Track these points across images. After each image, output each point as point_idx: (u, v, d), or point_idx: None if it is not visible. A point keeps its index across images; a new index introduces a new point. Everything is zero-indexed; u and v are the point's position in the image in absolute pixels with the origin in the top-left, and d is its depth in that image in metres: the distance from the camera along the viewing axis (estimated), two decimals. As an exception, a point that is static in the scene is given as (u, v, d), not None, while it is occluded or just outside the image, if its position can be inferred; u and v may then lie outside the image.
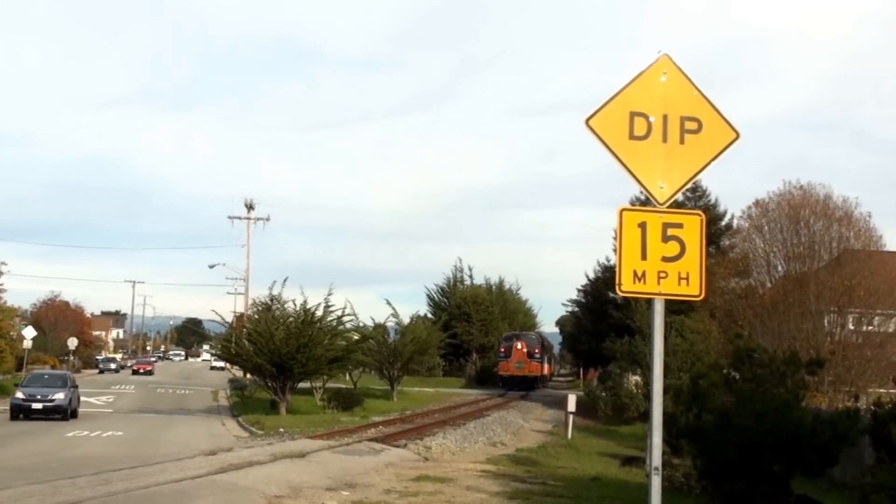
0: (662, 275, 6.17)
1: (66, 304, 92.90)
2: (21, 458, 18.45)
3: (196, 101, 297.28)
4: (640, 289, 6.20)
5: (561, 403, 37.06)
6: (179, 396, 49.43)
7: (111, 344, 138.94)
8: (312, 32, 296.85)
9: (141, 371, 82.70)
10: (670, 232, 6.24)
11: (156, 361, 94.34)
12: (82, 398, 43.54)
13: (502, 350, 64.23)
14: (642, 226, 6.25)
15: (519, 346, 62.63)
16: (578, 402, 32.62)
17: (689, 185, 6.80)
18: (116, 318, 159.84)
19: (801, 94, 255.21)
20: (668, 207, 6.35)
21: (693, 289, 6.20)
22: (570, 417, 31.09)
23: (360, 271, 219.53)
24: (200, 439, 24.13)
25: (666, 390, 6.56)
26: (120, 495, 12.78)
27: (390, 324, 51.96)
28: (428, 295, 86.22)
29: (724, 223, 51.12)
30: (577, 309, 76.96)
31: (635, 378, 40.24)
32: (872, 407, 14.45)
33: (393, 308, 52.19)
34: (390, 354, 48.72)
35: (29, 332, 56.74)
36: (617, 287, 6.27)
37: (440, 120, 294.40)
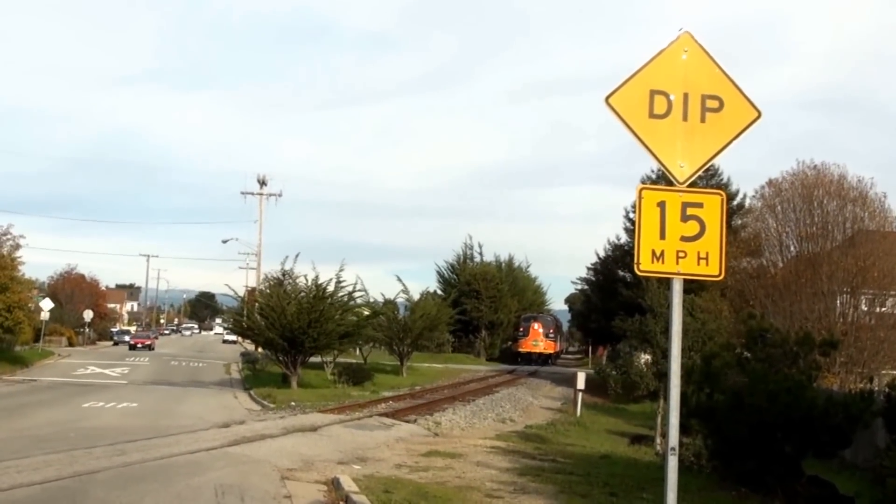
0: (681, 254, 6.10)
1: (82, 276, 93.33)
2: (38, 428, 18.56)
3: (211, 79, 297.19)
4: (658, 268, 6.12)
5: (570, 381, 37.11)
6: (193, 369, 49.67)
7: (125, 316, 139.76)
8: (326, 11, 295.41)
9: (139, 346, 73.48)
10: (690, 211, 6.17)
11: (156, 337, 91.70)
12: (97, 369, 43.93)
13: (520, 329, 72.94)
14: (661, 205, 6.17)
15: (536, 326, 71.55)
16: (587, 380, 32.62)
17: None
18: (131, 291, 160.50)
19: (814, 72, 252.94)
20: (687, 187, 6.26)
21: (713, 269, 6.13)
22: (580, 395, 31.11)
23: (370, 247, 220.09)
24: (213, 412, 24.24)
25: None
26: (136, 466, 12.85)
27: (400, 300, 52.01)
28: (438, 272, 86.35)
29: (736, 202, 50.85)
30: (586, 287, 76.85)
31: (645, 357, 40.21)
32: (886, 389, 14.35)
33: (403, 284, 52.20)
34: (400, 330, 48.76)
35: (46, 304, 57.03)
36: (635, 266, 6.20)
37: (453, 98, 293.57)
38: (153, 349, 72.82)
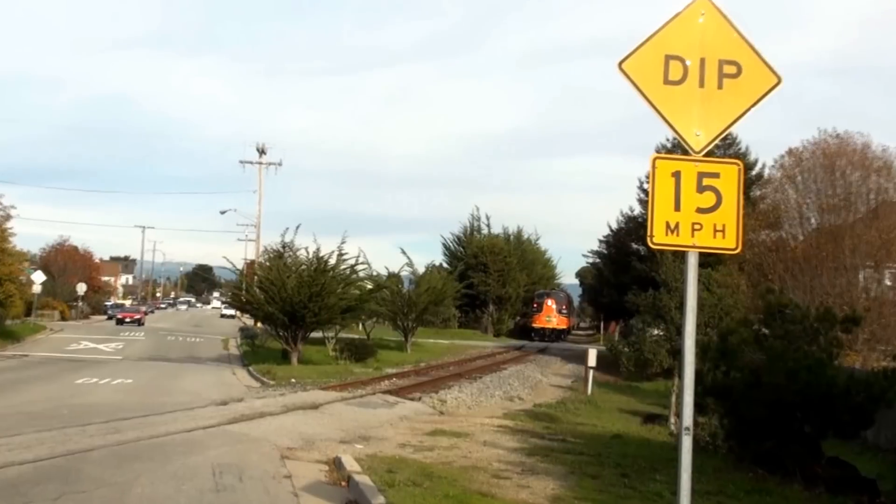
0: (697, 227, 6.07)
1: (75, 248, 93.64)
2: (31, 405, 18.70)
3: (211, 44, 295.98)
4: (673, 241, 6.10)
5: (580, 358, 37.19)
6: (189, 344, 49.91)
7: (120, 290, 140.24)
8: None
9: (127, 320, 72.07)
10: (706, 182, 6.12)
11: (151, 311, 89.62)
12: (91, 345, 44.18)
13: (535, 305, 76.56)
14: (676, 175, 6.12)
15: (549, 302, 75.37)
16: (599, 357, 32.68)
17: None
18: (126, 263, 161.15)
19: (838, 36, 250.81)
20: (703, 156, 6.23)
21: (729, 241, 6.11)
22: (591, 372, 31.15)
23: (374, 219, 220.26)
24: (211, 388, 24.37)
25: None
26: (130, 444, 12.95)
27: (405, 273, 52.11)
28: (444, 244, 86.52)
29: (754, 173, 50.70)
30: (598, 260, 76.93)
31: (659, 332, 40.24)
32: (910, 367, 14.32)
33: (408, 257, 52.45)
34: (404, 305, 48.87)
35: (38, 277, 57.30)
36: (648, 239, 6.17)
37: (460, 65, 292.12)
38: (143, 325, 71.95)
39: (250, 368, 32.27)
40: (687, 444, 5.80)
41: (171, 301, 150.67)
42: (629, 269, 54.59)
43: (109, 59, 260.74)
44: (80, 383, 25.02)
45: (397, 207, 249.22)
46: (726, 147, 50.42)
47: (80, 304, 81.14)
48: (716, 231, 6.09)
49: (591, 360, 30.97)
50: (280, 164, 63.09)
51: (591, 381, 31.04)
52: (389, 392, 23.74)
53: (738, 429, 13.49)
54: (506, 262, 79.98)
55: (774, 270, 34.12)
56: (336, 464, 11.69)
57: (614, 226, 65.27)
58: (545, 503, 10.04)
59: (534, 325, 75.68)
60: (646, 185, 51.27)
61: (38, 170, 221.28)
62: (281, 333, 35.50)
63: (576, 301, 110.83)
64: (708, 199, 6.11)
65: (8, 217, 47.27)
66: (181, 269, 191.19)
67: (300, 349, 35.09)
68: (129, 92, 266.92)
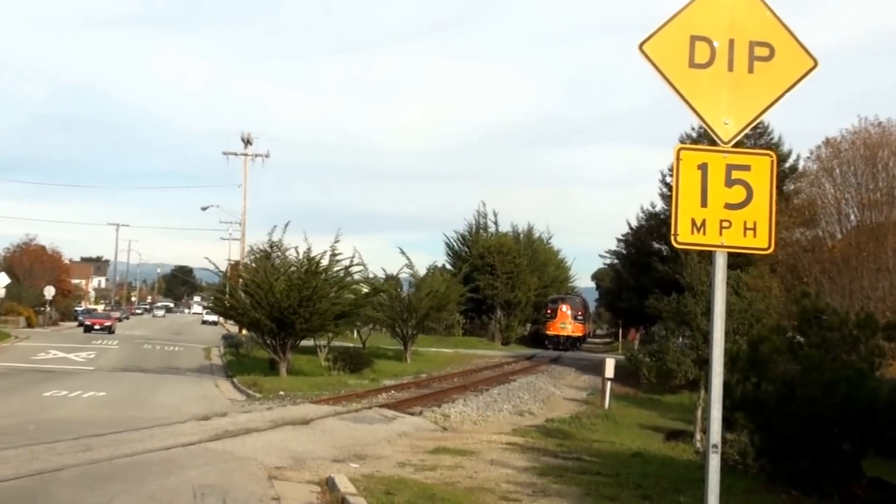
0: (725, 224, 6.09)
1: (43, 248, 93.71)
2: (-7, 421, 18.71)
3: (191, 23, 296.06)
4: (699, 240, 6.12)
5: (597, 368, 37.19)
6: (168, 353, 49.93)
7: (92, 294, 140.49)
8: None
9: (96, 327, 71.82)
10: (735, 175, 6.15)
11: (126, 317, 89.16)
12: (60, 354, 44.22)
13: (548, 311, 77.45)
14: (703, 168, 6.15)
15: (564, 308, 76.41)
16: (617, 367, 32.68)
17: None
18: (98, 264, 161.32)
19: (879, 15, 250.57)
20: (732, 147, 6.23)
21: (761, 240, 6.12)
22: (608, 384, 31.16)
23: (370, 216, 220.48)
24: (192, 402, 24.38)
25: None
26: (104, 463, 12.95)
27: (404, 275, 52.11)
28: (447, 244, 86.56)
29: (788, 165, 50.76)
30: (616, 261, 77.03)
31: (684, 341, 40.22)
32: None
33: (407, 258, 52.29)
34: (404, 310, 48.86)
35: (2, 280, 57.34)
36: (672, 238, 6.19)
37: (466, 45, 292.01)
38: (114, 332, 71.50)
39: (234, 380, 32.27)
40: (714, 462, 5.81)
41: (148, 306, 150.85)
42: (650, 271, 54.65)
43: (79, 41, 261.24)
44: (49, 396, 25.04)
45: (396, 203, 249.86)
46: (757, 137, 50.42)
47: (49, 309, 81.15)
48: (746, 229, 6.10)
49: (609, 370, 30.97)
50: (267, 156, 63.19)
51: (608, 393, 31.04)
52: (387, 406, 23.74)
53: (771, 446, 13.47)
54: (515, 264, 79.98)
55: (810, 272, 34.12)
56: (329, 485, 11.70)
57: (634, 223, 65.38)
58: (558, 528, 10.04)
59: (547, 332, 76.77)
60: (669, 179, 51.29)
61: (1, 162, 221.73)
62: (268, 342, 35.51)
63: (592, 306, 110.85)
64: (737, 193, 6.12)
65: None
66: (158, 270, 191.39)
67: (289, 359, 35.10)
68: (100, 77, 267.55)
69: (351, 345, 45.23)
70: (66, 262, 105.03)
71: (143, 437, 15.94)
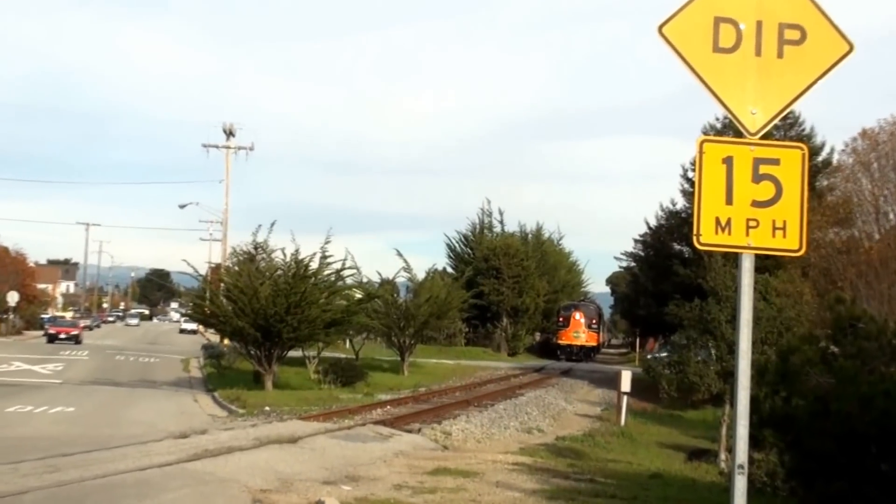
0: (752, 223, 6.08)
1: (5, 250, 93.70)
2: (-49, 439, 18.72)
3: (168, 2, 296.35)
4: (723, 241, 6.11)
5: (612, 381, 37.18)
6: (143, 365, 49.98)
7: (60, 300, 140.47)
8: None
9: (62, 336, 70.60)
10: (763, 170, 6.13)
11: (97, 325, 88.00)
12: (24, 366, 44.23)
13: (560, 319, 78.61)
14: (728, 161, 6.14)
15: (577, 316, 77.51)
16: (634, 380, 32.68)
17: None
18: (66, 268, 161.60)
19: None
20: (760, 139, 6.22)
21: (791, 241, 6.11)
22: (624, 399, 31.18)
23: (364, 215, 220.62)
24: (169, 418, 24.41)
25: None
26: (72, 485, 12.94)
27: (401, 280, 52.22)
28: (448, 245, 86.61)
29: (821, 159, 50.68)
30: (633, 264, 77.17)
31: (707, 351, 40.22)
32: None
33: (405, 260, 52.34)
34: (401, 317, 48.90)
35: (-42, 285, 57.38)
36: (694, 238, 6.18)
37: (468, 26, 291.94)
38: (80, 342, 70.28)
39: (215, 394, 32.31)
40: (741, 484, 5.80)
41: (121, 313, 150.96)
42: (671, 275, 54.61)
43: (46, 23, 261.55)
44: (12, 412, 25.05)
45: (393, 201, 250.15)
46: (787, 128, 50.44)
47: (12, 316, 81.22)
48: (775, 229, 6.09)
49: (625, 383, 30.97)
50: (252, 149, 63.21)
51: (624, 409, 31.05)
52: (383, 423, 23.77)
53: (802, 466, 13.46)
54: (523, 267, 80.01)
55: (845, 276, 34.12)
56: (319, 509, 11.69)
57: (653, 222, 65.36)
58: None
59: (559, 341, 77.98)
60: (691, 174, 51.30)
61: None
62: (252, 352, 35.53)
63: (606, 313, 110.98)
64: (766, 190, 6.11)
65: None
66: (132, 274, 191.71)
67: (275, 371, 35.12)
68: (70, 63, 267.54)
69: (343, 356, 45.24)
70: (32, 264, 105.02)
71: (116, 456, 15.93)
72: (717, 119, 48.43)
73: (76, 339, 70.73)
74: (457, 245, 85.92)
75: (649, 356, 63.16)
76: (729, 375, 30.95)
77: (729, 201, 6.09)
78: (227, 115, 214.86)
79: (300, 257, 35.38)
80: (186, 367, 48.97)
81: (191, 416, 25.87)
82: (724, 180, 6.11)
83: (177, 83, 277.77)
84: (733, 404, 6.02)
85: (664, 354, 49.69)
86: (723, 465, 21.29)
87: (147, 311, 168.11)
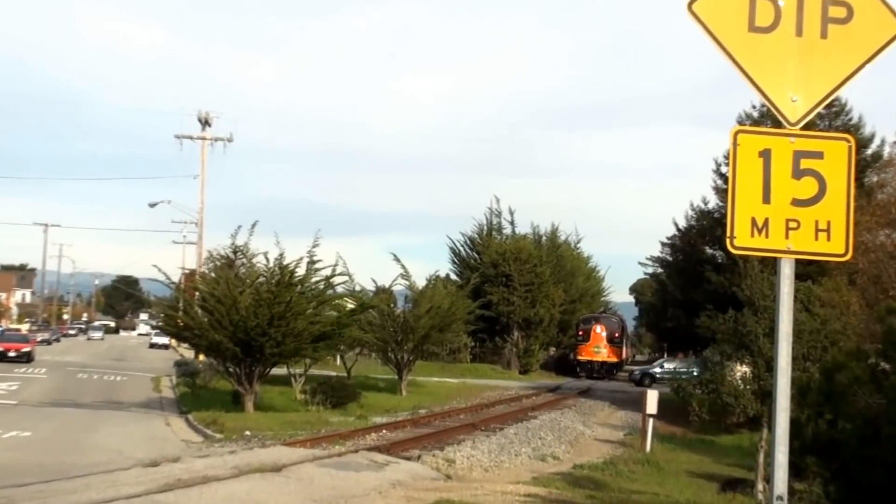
0: (792, 224, 6.08)
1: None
2: None
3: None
4: (760, 244, 6.11)
5: (636, 402, 37.16)
6: (108, 384, 50.01)
7: (15, 310, 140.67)
8: None
9: (10, 353, 64.20)
10: (805, 164, 6.14)
11: (56, 339, 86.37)
12: (-25, 385, 44.21)
13: (580, 333, 79.71)
14: (765, 155, 6.14)
15: (598, 329, 78.40)
16: (661, 401, 32.66)
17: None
18: (22, 274, 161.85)
19: None
20: (801, 129, 6.22)
21: (836, 245, 6.11)
22: (650, 422, 31.14)
23: (357, 214, 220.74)
24: (137, 444, 24.42)
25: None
26: (28, 520, 12.97)
27: (399, 288, 52.25)
28: (452, 249, 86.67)
29: (870, 152, 50.64)
30: (660, 270, 77.16)
31: (743, 369, 40.22)
32: None
33: (403, 266, 52.39)
34: (398, 330, 48.92)
35: None
36: (727, 241, 6.19)
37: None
38: (32, 360, 65.52)
39: (190, 417, 32.32)
40: (780, 518, 5.80)
41: (83, 325, 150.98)
42: (702, 283, 54.61)
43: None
44: (-39, 437, 25.08)
45: (389, 199, 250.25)
46: (832, 117, 50.42)
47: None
48: (818, 230, 6.09)
49: (651, 405, 30.94)
50: (230, 140, 63.35)
51: (650, 433, 31.02)
52: (378, 449, 23.79)
53: (849, 498, 13.47)
54: (536, 274, 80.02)
55: (897, 284, 34.07)
56: (305, 546, 11.70)
57: (682, 223, 65.29)
58: None
59: (578, 357, 79.21)
60: (724, 168, 51.33)
61: None
62: (231, 369, 35.55)
63: (630, 326, 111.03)
64: (808, 187, 6.11)
65: None
66: (97, 282, 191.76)
67: (257, 391, 35.13)
68: (26, 45, 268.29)
69: (333, 373, 45.25)
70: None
71: (77, 487, 15.95)
72: (754, 107, 48.49)
73: (27, 357, 65.41)
74: (462, 249, 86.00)
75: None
76: (767, 395, 30.95)
77: (766, 200, 6.09)
78: (202, 102, 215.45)
79: (285, 262, 35.37)
80: (157, 386, 48.97)
81: (162, 441, 25.88)
82: (760, 176, 6.11)
83: (148, 65, 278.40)
84: (772, 428, 6.02)
85: (687, 369, 49.83)
86: (760, 496, 21.24)
87: (113, 323, 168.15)
